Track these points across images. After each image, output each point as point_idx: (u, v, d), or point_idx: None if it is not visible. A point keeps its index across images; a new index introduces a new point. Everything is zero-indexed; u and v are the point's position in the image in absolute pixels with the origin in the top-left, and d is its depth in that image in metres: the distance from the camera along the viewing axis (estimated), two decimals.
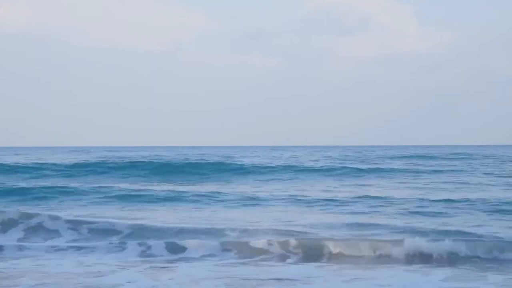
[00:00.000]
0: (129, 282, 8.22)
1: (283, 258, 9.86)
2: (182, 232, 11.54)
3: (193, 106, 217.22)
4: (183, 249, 10.32)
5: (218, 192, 18.67)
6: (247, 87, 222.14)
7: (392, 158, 45.47)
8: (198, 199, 17.40)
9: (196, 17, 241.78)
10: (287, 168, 29.62)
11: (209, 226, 12.04)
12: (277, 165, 31.30)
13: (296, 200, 17.01)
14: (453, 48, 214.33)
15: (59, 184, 21.16)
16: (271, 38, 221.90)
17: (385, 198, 16.95)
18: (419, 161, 40.82)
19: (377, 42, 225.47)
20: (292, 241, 10.36)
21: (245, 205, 16.21)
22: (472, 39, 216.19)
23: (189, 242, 10.52)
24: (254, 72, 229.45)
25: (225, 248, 10.25)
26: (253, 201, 17.03)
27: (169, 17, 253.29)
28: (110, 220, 12.62)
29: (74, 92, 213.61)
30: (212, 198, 17.56)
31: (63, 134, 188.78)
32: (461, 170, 29.77)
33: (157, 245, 10.51)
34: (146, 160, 34.45)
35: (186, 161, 33.73)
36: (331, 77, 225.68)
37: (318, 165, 33.16)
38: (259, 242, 10.33)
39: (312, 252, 9.99)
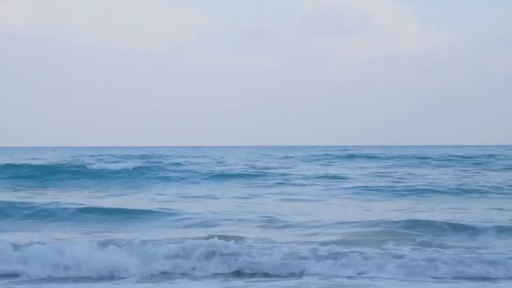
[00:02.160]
0: None
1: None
2: None
3: (193, 106, 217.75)
4: None
5: None
6: (247, 87, 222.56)
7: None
8: None
9: (196, 17, 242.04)
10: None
11: None
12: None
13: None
14: (453, 48, 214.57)
15: None
16: (271, 38, 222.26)
17: None
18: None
19: (377, 42, 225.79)
20: None
21: None
22: (472, 39, 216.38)
23: None
24: (254, 72, 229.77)
25: None
26: None
27: (169, 17, 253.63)
28: None
29: (74, 92, 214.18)
30: None
31: (63, 134, 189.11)
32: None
33: None
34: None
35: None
36: (331, 77, 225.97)
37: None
38: None
39: None
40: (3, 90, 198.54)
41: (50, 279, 8.22)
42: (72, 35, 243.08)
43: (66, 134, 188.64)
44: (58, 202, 15.35)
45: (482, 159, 41.99)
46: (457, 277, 8.34)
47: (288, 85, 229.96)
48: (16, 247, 8.98)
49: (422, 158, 44.25)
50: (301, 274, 8.49)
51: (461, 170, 31.20)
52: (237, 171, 28.58)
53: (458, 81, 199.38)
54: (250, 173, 27.20)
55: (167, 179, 24.48)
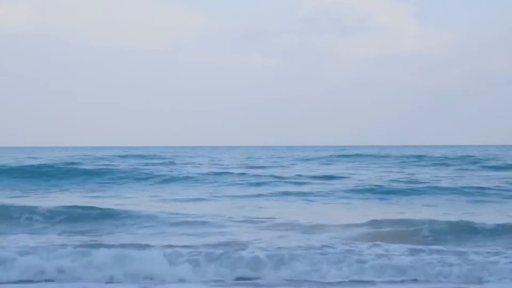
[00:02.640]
0: None
1: None
2: None
3: (193, 106, 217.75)
4: None
5: None
6: (247, 87, 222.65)
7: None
8: None
9: (196, 17, 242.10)
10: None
11: None
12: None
13: None
14: (453, 48, 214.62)
15: None
16: (271, 38, 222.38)
17: None
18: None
19: (377, 42, 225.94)
20: None
21: None
22: (472, 39, 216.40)
23: None
24: (254, 72, 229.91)
25: None
26: None
27: (169, 17, 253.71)
28: None
29: (74, 92, 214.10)
30: None
31: (63, 134, 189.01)
32: None
33: None
34: None
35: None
36: (331, 77, 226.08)
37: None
38: None
39: None
40: (3, 90, 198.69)
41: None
42: (72, 35, 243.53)
43: (66, 134, 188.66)
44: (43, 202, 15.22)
45: (481, 158, 41.90)
46: (450, 278, 8.24)
47: (288, 85, 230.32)
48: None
49: (421, 158, 44.17)
50: (295, 275, 8.36)
51: (460, 170, 31.13)
52: (234, 171, 28.44)
53: (458, 81, 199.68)
54: (248, 173, 27.07)
55: (163, 178, 24.30)
